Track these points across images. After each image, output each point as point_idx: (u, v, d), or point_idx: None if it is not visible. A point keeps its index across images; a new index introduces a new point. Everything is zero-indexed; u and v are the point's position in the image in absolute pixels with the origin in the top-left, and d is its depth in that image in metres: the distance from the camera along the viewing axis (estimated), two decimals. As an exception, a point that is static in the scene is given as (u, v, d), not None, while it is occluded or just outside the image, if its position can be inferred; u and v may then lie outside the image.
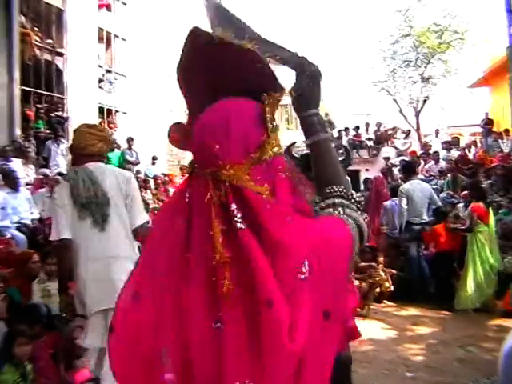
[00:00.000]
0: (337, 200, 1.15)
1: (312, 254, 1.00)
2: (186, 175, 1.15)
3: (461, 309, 6.59)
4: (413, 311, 6.68)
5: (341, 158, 2.91)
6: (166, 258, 1.06)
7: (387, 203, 8.78)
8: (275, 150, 1.09)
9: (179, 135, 1.30)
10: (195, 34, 1.12)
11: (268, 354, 0.94)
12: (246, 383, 0.93)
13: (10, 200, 7.23)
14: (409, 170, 8.53)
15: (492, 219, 7.08)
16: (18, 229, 6.94)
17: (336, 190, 1.16)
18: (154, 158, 14.14)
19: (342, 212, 1.12)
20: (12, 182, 7.43)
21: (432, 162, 14.46)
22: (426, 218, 7.63)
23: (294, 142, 2.85)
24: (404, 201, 7.61)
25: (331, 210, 1.14)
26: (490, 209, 7.28)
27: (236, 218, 0.98)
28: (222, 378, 0.94)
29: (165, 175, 13.85)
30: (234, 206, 1.00)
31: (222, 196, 1.01)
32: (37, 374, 3.75)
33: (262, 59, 1.10)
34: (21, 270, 5.00)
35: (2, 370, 3.54)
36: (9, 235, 6.60)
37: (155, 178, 12.87)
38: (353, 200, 1.16)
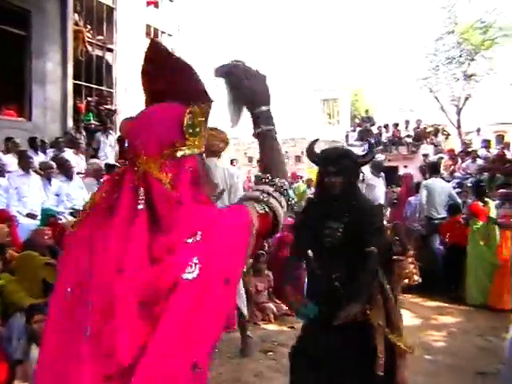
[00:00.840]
0: (265, 187, 1.39)
1: (200, 230, 1.20)
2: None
3: (471, 304, 6.89)
4: (438, 303, 6.96)
5: (363, 153, 3.25)
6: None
7: (411, 198, 9.18)
8: (194, 150, 1.30)
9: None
10: (155, 46, 1.40)
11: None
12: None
13: (65, 187, 7.84)
14: (433, 168, 8.86)
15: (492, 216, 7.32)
16: (71, 214, 7.54)
17: (266, 178, 1.41)
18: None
19: (265, 198, 1.35)
20: (66, 171, 8.05)
21: (469, 161, 14.50)
22: (444, 213, 7.98)
23: (317, 139, 3.22)
24: (424, 193, 8.06)
25: (257, 193, 1.37)
26: (490, 206, 7.55)
27: (139, 200, 1.20)
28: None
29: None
30: (141, 190, 1.21)
31: (136, 180, 1.22)
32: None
33: (196, 75, 1.32)
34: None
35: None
36: (64, 220, 7.20)
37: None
38: (281, 188, 1.40)
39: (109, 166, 9.84)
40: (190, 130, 1.29)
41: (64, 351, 1.17)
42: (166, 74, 1.36)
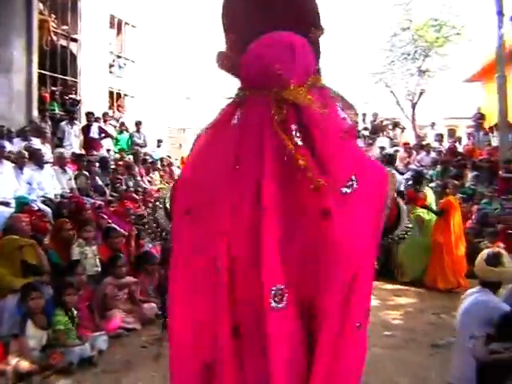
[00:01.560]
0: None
1: (358, 172, 1.18)
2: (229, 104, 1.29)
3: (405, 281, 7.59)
4: (394, 285, 7.47)
5: None
6: (214, 173, 1.23)
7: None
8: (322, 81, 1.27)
9: (228, 62, 1.35)
10: None
11: (328, 261, 1.10)
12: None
13: (36, 176, 7.98)
14: (388, 161, 9.36)
15: (431, 201, 8.21)
16: (43, 202, 7.69)
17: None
18: (160, 141, 14.88)
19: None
20: (37, 160, 8.18)
21: (424, 153, 15.21)
22: None
23: None
24: None
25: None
26: (427, 194, 8.38)
27: (295, 136, 1.13)
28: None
29: (169, 157, 14.63)
30: (293, 127, 1.14)
31: (284, 114, 1.12)
32: (78, 319, 4.55)
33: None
34: (56, 236, 5.79)
35: (56, 313, 4.34)
36: (36, 207, 7.36)
37: (161, 159, 13.62)
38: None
39: (76, 156, 10.01)
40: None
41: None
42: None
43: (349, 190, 1.16)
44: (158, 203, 1.51)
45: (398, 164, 13.89)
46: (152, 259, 5.98)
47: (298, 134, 1.15)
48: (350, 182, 1.17)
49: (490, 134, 17.05)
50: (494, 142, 16.11)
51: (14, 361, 3.93)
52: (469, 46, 23.82)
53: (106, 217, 6.82)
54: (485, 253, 4.16)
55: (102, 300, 5.09)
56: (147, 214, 1.65)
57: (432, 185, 13.50)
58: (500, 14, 11.75)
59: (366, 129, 19.99)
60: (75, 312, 4.46)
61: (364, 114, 21.09)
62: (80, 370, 4.20)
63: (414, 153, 15.57)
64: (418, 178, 8.65)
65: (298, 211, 1.13)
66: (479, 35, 25.38)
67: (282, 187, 1.14)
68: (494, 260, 4.01)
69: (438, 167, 14.08)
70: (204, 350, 1.21)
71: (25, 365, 3.91)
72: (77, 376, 4.14)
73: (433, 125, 20.37)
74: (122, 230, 6.25)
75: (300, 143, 1.14)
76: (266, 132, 1.14)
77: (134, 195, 9.02)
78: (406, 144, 16.38)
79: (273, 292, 1.13)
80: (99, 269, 5.50)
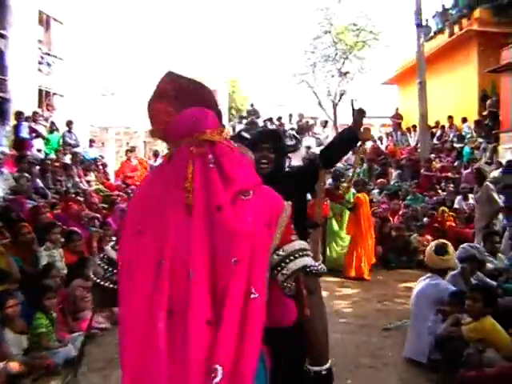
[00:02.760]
0: None
1: (256, 190, 1.74)
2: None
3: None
4: (337, 278, 8.04)
5: (291, 143, 3.92)
6: (157, 200, 1.74)
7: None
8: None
9: (160, 131, 1.97)
10: (172, 75, 1.96)
11: (222, 240, 1.60)
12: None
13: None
14: (312, 160, 9.99)
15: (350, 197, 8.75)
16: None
17: None
18: (92, 141, 14.71)
19: None
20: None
21: (350, 152, 16.00)
22: None
23: (242, 130, 3.90)
24: None
25: None
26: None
27: (209, 163, 1.68)
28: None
29: (102, 157, 14.49)
30: (210, 156, 1.70)
31: (202, 149, 1.69)
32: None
33: (214, 97, 1.95)
34: (15, 241, 5.77)
35: (37, 316, 4.44)
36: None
37: (96, 160, 13.50)
38: None
39: (17, 157, 9.82)
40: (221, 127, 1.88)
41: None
42: (189, 98, 1.91)
43: (244, 198, 1.70)
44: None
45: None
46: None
47: (212, 161, 1.70)
48: (247, 193, 1.71)
49: (408, 134, 18.26)
50: (412, 141, 17.32)
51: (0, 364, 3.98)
52: (385, 51, 25.21)
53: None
54: (433, 244, 4.78)
55: (73, 302, 5.20)
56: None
57: (359, 183, 14.38)
58: (419, 26, 12.73)
59: (292, 129, 20.75)
60: (54, 314, 4.57)
61: (290, 115, 21.85)
62: (67, 371, 4.32)
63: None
64: (337, 177, 9.32)
65: (211, 211, 1.67)
66: (395, 41, 26.92)
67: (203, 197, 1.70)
68: (442, 250, 4.63)
69: (364, 166, 14.94)
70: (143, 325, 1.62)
71: (14, 365, 3.99)
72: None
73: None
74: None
75: (212, 166, 1.69)
76: (189, 163, 1.71)
77: (77, 197, 8.99)
78: (332, 143, 17.17)
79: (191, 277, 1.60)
80: (65, 271, 5.58)
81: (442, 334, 4.08)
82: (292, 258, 1.79)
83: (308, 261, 1.83)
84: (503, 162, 11.58)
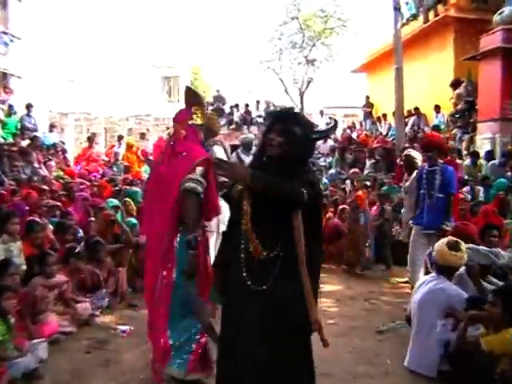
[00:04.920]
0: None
1: (190, 151, 3.64)
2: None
3: None
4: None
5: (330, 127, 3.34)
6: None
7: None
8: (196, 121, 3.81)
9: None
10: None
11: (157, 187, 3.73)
12: None
13: None
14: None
15: None
16: None
17: None
18: (52, 126, 13.83)
19: None
20: None
21: (321, 141, 15.59)
22: None
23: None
24: None
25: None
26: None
27: (171, 143, 3.80)
28: None
29: (63, 143, 13.65)
30: (172, 139, 3.89)
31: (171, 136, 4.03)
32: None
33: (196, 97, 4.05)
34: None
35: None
36: None
37: (55, 145, 12.65)
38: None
39: None
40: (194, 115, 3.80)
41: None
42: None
43: (180, 156, 3.62)
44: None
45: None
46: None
47: (171, 143, 3.81)
48: (184, 153, 3.61)
49: (378, 123, 17.97)
50: (383, 130, 17.03)
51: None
52: (355, 39, 24.91)
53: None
54: (445, 240, 4.30)
55: (33, 303, 4.52)
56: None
57: (332, 171, 14.00)
58: (396, 9, 12.33)
59: (260, 116, 20.23)
60: (12, 319, 3.89)
61: (257, 102, 21.30)
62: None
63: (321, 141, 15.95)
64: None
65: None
66: (365, 29, 26.55)
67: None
68: (456, 245, 4.16)
69: (336, 155, 14.55)
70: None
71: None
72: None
73: (321, 112, 20.96)
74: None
75: (172, 144, 3.78)
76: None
77: (38, 184, 8.24)
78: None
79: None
80: (25, 267, 4.89)
81: (459, 346, 3.59)
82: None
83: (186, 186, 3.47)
84: (481, 152, 11.41)
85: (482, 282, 4.35)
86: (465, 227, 5.20)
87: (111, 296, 5.58)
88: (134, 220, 6.73)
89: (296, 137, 2.70)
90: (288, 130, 2.70)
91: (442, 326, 3.97)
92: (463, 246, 4.23)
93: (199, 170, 3.50)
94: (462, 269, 4.41)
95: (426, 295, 4.20)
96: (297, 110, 18.71)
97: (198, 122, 3.80)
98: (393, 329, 5.15)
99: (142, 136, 23.15)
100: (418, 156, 7.12)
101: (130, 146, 13.48)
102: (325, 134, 3.12)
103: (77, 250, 5.69)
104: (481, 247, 4.66)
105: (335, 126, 3.34)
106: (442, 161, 6.21)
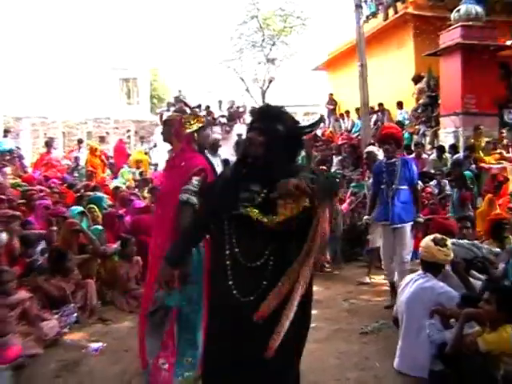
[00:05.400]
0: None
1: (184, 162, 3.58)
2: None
3: None
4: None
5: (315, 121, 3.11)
6: None
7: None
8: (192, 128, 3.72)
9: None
10: None
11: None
12: None
13: None
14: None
15: None
16: None
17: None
18: (7, 131, 13.25)
19: None
20: None
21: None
22: None
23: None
24: None
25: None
26: None
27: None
28: None
29: (19, 148, 13.10)
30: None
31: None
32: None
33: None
34: None
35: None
36: None
37: (10, 151, 12.11)
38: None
39: None
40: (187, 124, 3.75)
41: None
42: None
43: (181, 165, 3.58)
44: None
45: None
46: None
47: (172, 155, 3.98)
48: (183, 163, 3.57)
49: (341, 120, 18.00)
50: (347, 127, 17.06)
51: None
52: (316, 37, 24.97)
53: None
54: (431, 236, 4.18)
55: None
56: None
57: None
58: (358, 6, 12.30)
59: (223, 116, 19.96)
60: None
61: (220, 102, 21.02)
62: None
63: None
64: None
65: None
66: (324, 27, 26.67)
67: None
68: (442, 241, 4.04)
69: (303, 152, 14.42)
70: None
71: None
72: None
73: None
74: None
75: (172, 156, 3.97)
76: None
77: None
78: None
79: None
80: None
81: (456, 346, 3.44)
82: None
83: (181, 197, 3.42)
84: (446, 146, 11.49)
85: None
86: (444, 221, 5.12)
87: (80, 311, 5.23)
88: (100, 227, 6.38)
89: (278, 135, 2.51)
90: (269, 128, 2.51)
91: (431, 325, 3.83)
92: (449, 241, 4.12)
93: (195, 179, 3.43)
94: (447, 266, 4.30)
95: (413, 294, 4.06)
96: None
97: (194, 127, 3.74)
98: (377, 329, 5.01)
99: (102, 139, 22.60)
100: (379, 152, 6.96)
101: (93, 150, 13.02)
102: (310, 129, 2.89)
103: (39, 263, 5.37)
104: (464, 241, 4.59)
105: (320, 121, 3.15)
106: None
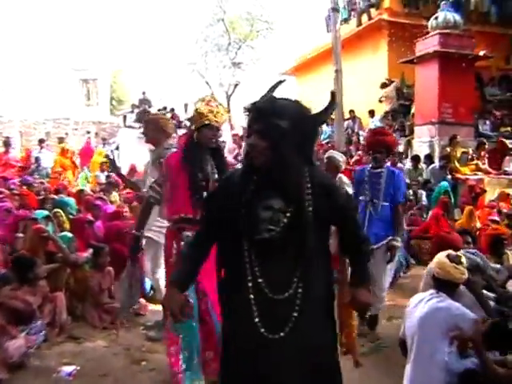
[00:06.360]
0: None
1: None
2: None
3: None
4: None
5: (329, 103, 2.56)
6: None
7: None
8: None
9: None
10: None
11: None
12: None
13: None
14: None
15: None
16: None
17: None
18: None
19: None
20: None
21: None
22: None
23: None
24: None
25: None
26: None
27: None
28: None
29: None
30: None
31: None
32: None
33: None
34: None
35: None
36: None
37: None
38: None
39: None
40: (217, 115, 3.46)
41: None
42: None
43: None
44: None
45: (227, 156, 13.62)
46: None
47: None
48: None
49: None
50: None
51: None
52: (282, 42, 24.79)
53: None
54: (445, 252, 3.85)
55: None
56: None
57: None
58: (334, 10, 12.06)
59: (189, 119, 19.45)
60: None
61: (185, 105, 20.51)
62: None
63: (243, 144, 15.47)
64: None
65: None
66: (292, 32, 26.50)
67: None
68: (457, 258, 3.72)
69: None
70: None
71: None
72: None
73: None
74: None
75: None
76: None
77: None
78: (235, 135, 16.19)
79: None
80: None
81: (488, 373, 3.10)
82: None
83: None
84: (421, 156, 11.37)
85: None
86: (448, 236, 4.83)
87: (48, 328, 4.66)
88: (69, 234, 5.82)
89: (282, 134, 2.03)
90: (270, 127, 2.03)
91: (451, 353, 3.50)
92: (464, 259, 3.81)
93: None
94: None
95: (426, 315, 3.70)
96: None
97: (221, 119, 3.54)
98: (375, 350, 4.67)
99: (61, 140, 21.73)
100: (341, 158, 6.34)
101: (64, 151, 12.40)
102: (324, 117, 2.40)
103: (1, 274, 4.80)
104: (473, 257, 4.31)
105: (334, 100, 2.54)
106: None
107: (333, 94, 2.53)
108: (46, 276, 5.05)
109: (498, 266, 5.17)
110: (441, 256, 3.82)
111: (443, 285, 3.77)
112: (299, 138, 2.08)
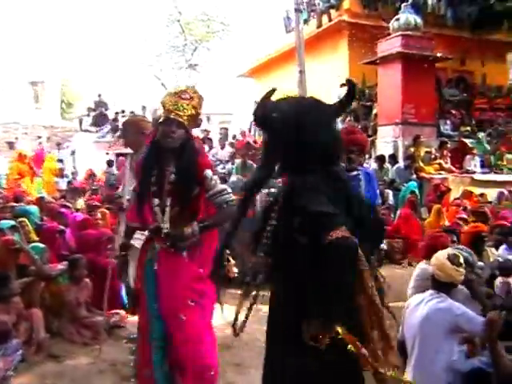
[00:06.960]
0: None
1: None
2: None
3: None
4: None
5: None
6: None
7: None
8: None
9: None
10: None
11: None
12: None
13: None
14: None
15: None
16: None
17: None
18: None
19: None
20: None
21: (218, 148, 14.96)
22: None
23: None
24: None
25: None
26: None
27: None
28: None
29: None
30: None
31: None
32: None
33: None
34: None
35: None
36: None
37: None
38: None
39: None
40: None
41: None
42: None
43: None
44: None
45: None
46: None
47: None
48: None
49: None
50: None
51: None
52: (237, 43, 24.67)
53: None
54: (444, 253, 3.81)
55: None
56: None
57: (233, 178, 13.38)
58: (297, 10, 12.07)
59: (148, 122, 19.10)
60: None
61: (143, 107, 20.12)
62: None
63: (207, 147, 15.27)
64: None
65: None
66: (249, 34, 26.42)
67: None
68: (457, 260, 3.69)
69: (237, 162, 13.96)
70: None
71: None
72: None
73: (208, 119, 20.44)
74: None
75: None
76: None
77: None
78: (196, 138, 15.94)
79: None
80: None
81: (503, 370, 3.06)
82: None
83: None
84: (386, 155, 11.48)
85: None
86: (440, 237, 4.84)
87: (25, 346, 4.36)
88: (41, 245, 5.49)
89: (290, 144, 2.06)
90: (277, 139, 2.09)
91: (461, 351, 3.46)
92: (462, 259, 3.79)
93: None
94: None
95: (427, 316, 3.67)
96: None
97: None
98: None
99: (11, 145, 20.91)
100: None
101: (22, 157, 11.83)
102: (345, 108, 2.31)
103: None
104: (466, 254, 4.34)
105: (354, 88, 2.42)
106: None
107: (350, 82, 2.43)
108: (20, 291, 4.74)
109: (481, 263, 5.22)
110: (440, 257, 3.79)
111: (443, 285, 3.75)
112: (309, 145, 2.10)
